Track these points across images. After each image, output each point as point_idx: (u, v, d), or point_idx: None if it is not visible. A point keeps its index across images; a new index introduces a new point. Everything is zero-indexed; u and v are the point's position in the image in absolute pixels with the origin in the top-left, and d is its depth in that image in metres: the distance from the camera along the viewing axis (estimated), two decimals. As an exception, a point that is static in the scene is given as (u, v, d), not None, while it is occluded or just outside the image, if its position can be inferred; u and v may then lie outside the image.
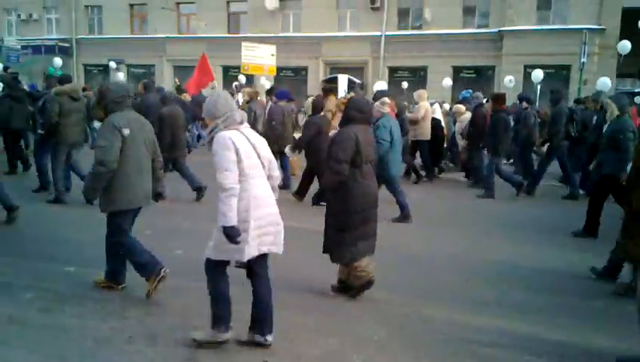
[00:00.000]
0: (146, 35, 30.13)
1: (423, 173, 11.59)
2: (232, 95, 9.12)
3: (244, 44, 22.42)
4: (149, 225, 5.77)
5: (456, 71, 25.23)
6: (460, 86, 20.98)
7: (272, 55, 22.09)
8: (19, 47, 28.26)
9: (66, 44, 31.37)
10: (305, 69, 27.94)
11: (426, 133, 11.13)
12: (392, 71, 26.86)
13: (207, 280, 3.69)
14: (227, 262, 3.67)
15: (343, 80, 22.32)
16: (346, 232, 4.58)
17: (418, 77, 25.81)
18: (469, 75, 25.49)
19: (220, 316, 3.68)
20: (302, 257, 5.41)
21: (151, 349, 3.70)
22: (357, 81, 23.93)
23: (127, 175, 4.44)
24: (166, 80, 28.73)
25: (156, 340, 3.81)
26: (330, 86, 11.91)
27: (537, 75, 19.22)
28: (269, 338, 3.72)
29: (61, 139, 8.12)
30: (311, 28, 27.18)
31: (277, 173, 3.91)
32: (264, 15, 27.76)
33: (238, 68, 23.54)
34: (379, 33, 26.10)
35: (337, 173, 4.54)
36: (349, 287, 4.81)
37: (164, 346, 3.74)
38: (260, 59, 21.97)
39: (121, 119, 4.45)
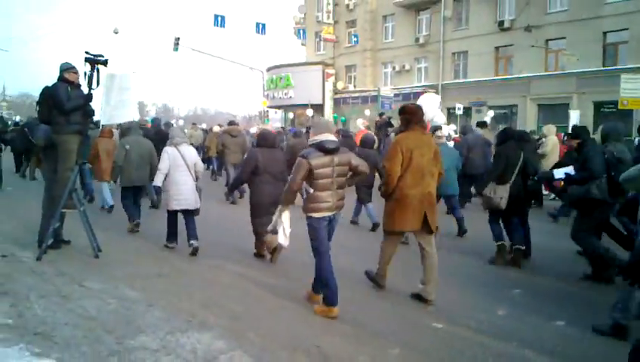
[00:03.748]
0: (509, 76, 29.58)
1: None
2: None
3: (623, 76, 19.90)
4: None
5: None
6: None
7: (660, 86, 18.87)
8: (392, 95, 31.34)
9: (432, 90, 33.32)
10: None
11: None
12: None
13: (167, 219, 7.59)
14: (175, 211, 7.43)
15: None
16: (255, 218, 7.07)
17: None
18: None
19: (170, 234, 7.51)
20: None
21: None
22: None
23: (128, 169, 8.93)
24: (529, 119, 27.61)
25: None
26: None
27: None
28: (194, 241, 7.22)
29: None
30: None
31: (198, 168, 7.51)
32: (650, 42, 23.94)
33: (613, 103, 20.75)
34: None
35: (240, 178, 7.28)
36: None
37: None
38: (644, 91, 19.13)
39: (126, 140, 9.12)
